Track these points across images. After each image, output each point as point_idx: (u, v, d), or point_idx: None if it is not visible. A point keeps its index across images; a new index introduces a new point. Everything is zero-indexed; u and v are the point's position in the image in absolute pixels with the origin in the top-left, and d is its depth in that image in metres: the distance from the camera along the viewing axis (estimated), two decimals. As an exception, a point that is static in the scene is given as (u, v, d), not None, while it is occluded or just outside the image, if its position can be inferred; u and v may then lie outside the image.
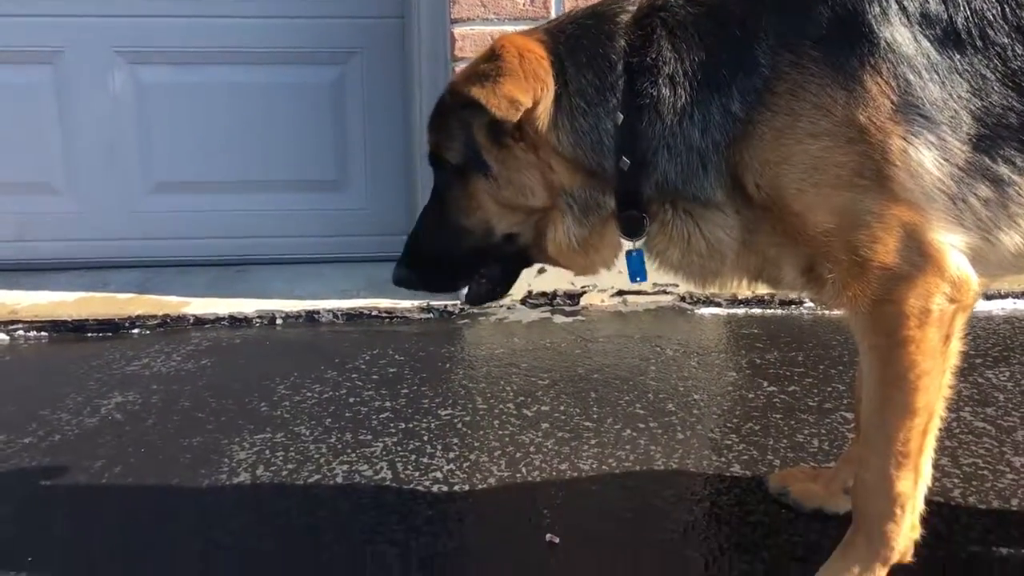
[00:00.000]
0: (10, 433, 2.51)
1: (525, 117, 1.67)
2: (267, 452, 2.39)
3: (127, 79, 3.73)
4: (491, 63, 1.68)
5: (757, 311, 3.35)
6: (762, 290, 3.30)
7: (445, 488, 2.20)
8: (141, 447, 2.43)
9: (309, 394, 2.74)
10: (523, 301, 3.42)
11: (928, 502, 1.74)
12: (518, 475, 2.26)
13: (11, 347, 3.19)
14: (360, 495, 2.18)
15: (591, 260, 1.82)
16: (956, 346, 1.65)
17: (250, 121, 3.80)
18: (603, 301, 3.43)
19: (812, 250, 1.61)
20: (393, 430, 2.50)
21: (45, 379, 2.89)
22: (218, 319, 3.33)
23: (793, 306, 3.35)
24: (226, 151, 3.81)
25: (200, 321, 3.33)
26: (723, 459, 2.31)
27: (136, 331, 3.28)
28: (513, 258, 1.86)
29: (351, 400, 2.69)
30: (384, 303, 3.41)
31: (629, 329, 3.23)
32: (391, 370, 2.91)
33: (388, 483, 2.23)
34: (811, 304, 3.33)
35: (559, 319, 3.33)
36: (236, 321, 3.33)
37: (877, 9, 1.55)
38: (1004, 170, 1.55)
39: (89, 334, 3.27)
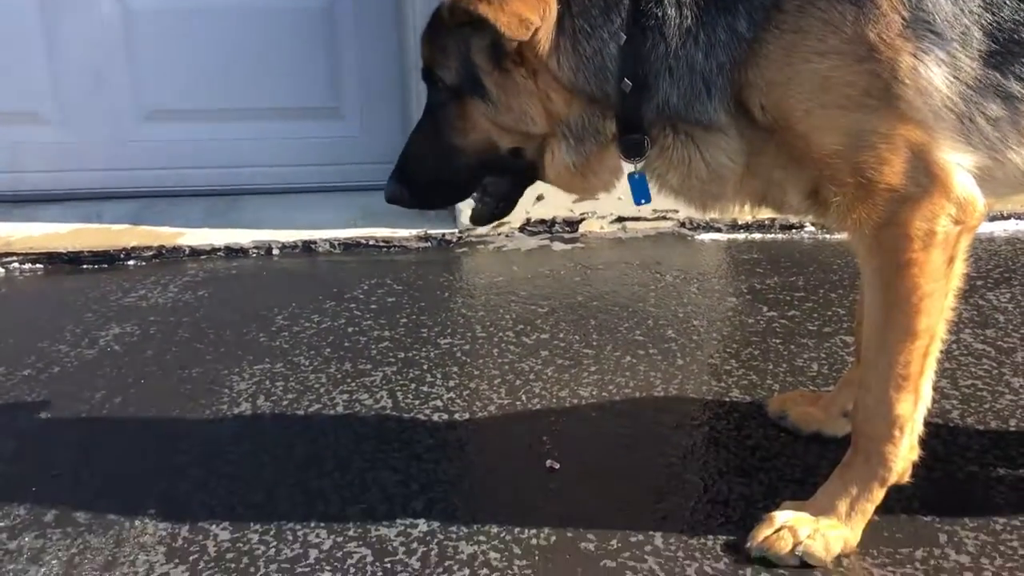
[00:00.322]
0: (9, 365, 2.51)
1: (526, 39, 1.61)
2: (267, 382, 2.39)
3: (114, 2, 3.63)
4: None
5: (758, 236, 3.32)
6: (763, 214, 3.27)
7: (445, 416, 2.21)
8: (141, 378, 2.44)
9: (307, 324, 2.73)
10: (521, 229, 3.39)
11: (926, 423, 1.76)
12: (518, 402, 2.26)
13: (7, 279, 3.17)
14: (361, 424, 2.19)
15: (590, 184, 1.80)
16: (960, 268, 1.64)
17: (241, 46, 3.70)
18: (602, 228, 3.40)
19: (817, 172, 1.58)
20: (392, 359, 2.50)
21: (42, 311, 2.88)
22: (214, 250, 3.30)
23: (794, 230, 3.33)
24: (218, 78, 3.71)
25: (196, 252, 3.30)
26: (722, 384, 2.32)
27: (131, 263, 3.26)
28: (520, 172, 1.82)
29: (350, 330, 2.69)
30: (382, 232, 3.38)
31: (628, 256, 3.21)
32: (389, 299, 2.90)
33: (388, 412, 2.24)
34: (812, 228, 3.31)
35: (558, 246, 3.31)
36: (232, 252, 3.31)
37: (888, -79, 1.49)
38: (1016, 87, 1.53)
39: (84, 266, 3.24)
